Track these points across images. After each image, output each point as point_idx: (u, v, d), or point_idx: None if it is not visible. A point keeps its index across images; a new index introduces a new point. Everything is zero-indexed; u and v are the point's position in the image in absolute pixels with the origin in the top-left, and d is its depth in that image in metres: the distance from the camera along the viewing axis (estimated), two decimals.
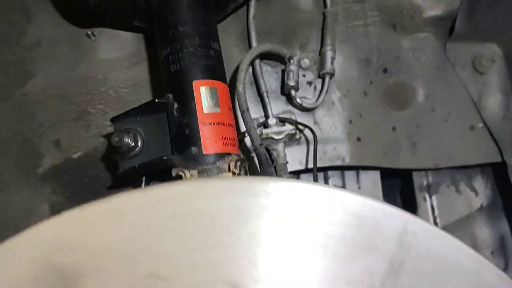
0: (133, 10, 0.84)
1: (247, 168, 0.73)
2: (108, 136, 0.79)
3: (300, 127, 0.92)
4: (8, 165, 0.92)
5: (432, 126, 1.03)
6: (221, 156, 0.69)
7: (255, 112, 0.95)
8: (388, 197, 1.13)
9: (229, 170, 0.68)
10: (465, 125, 1.03)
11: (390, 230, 0.34)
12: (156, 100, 0.72)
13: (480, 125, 1.02)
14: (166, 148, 0.72)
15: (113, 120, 0.76)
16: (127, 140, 0.73)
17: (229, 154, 0.70)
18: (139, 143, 0.74)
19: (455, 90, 1.03)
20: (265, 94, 0.93)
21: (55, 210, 0.90)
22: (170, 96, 0.73)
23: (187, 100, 0.71)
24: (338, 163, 0.96)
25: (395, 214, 0.35)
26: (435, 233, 0.36)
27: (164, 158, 0.70)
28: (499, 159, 1.00)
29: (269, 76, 0.98)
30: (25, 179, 0.91)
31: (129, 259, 0.31)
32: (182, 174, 0.66)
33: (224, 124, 0.71)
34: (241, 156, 0.72)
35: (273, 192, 0.34)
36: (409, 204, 1.10)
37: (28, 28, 0.98)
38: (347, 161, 0.96)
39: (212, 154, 0.69)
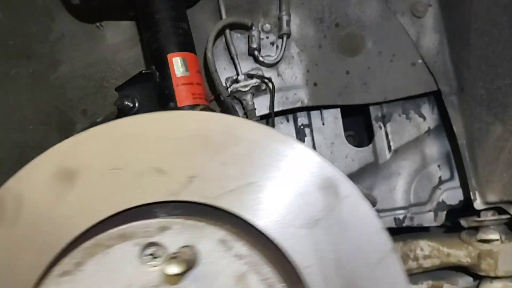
0: (127, 3, 1.11)
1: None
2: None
3: (264, 80, 1.17)
4: (51, 132, 1.24)
5: (380, 67, 1.25)
6: (192, 107, 0.96)
7: (230, 72, 1.20)
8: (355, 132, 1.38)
9: None
10: (407, 63, 1.24)
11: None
12: (143, 71, 1.00)
13: (420, 61, 1.23)
14: (155, 106, 1.00)
15: (116, 89, 1.05)
16: (126, 103, 1.01)
17: (198, 105, 0.97)
18: (136, 104, 1.03)
19: (397, 34, 1.24)
20: (235, 57, 1.18)
21: None
22: (153, 67, 1.00)
23: (164, 69, 0.98)
24: (299, 105, 1.21)
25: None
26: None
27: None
28: (435, 88, 1.20)
29: (239, 42, 1.23)
30: None
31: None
32: None
33: (193, 83, 0.98)
34: (207, 105, 0.99)
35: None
36: (369, 134, 1.33)
37: (53, 26, 1.28)
38: (306, 103, 1.21)
39: (185, 106, 0.96)
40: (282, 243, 0.58)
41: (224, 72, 1.21)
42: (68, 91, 1.26)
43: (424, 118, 1.30)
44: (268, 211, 0.58)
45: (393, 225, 1.27)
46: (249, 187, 0.59)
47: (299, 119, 1.30)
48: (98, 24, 1.25)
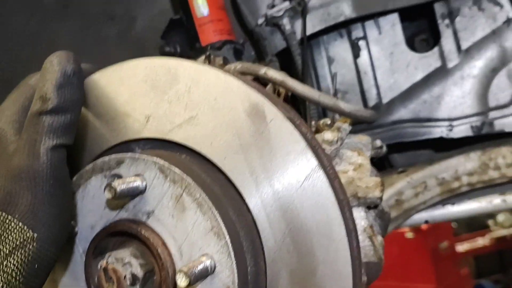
0: None
1: (238, 47, 1.05)
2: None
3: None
4: None
5: None
6: (215, 44, 1.04)
7: None
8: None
9: (220, 49, 1.02)
10: None
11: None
12: (172, 18, 1.09)
13: None
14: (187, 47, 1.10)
15: (161, 37, 1.17)
16: (168, 49, 1.14)
17: (220, 41, 1.04)
18: (178, 48, 1.14)
19: None
20: None
21: None
22: (181, 12, 1.09)
23: (187, 12, 1.07)
24: (341, 19, 1.15)
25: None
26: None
27: (184, 55, 1.09)
28: None
29: None
30: None
31: None
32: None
33: (213, 21, 1.05)
34: (229, 39, 1.04)
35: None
36: (435, 37, 1.19)
37: None
38: (348, 15, 1.14)
39: (207, 44, 1.04)
40: (223, 167, 0.64)
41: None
42: (146, 44, 1.44)
43: (501, 6, 1.10)
44: (208, 140, 0.65)
45: (469, 133, 1.15)
46: (191, 121, 0.66)
47: (353, 32, 1.24)
48: None
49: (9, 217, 0.50)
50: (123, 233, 0.64)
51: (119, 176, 0.66)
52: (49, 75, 0.57)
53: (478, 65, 1.13)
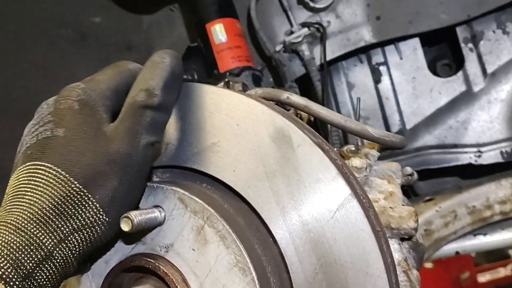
0: None
1: (257, 73, 1.02)
2: None
3: (314, 26, 1.12)
4: None
5: None
6: (233, 70, 1.01)
7: (286, 25, 1.18)
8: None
9: (238, 75, 1.00)
10: None
11: None
12: (189, 45, 1.08)
13: None
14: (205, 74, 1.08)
15: None
16: (185, 76, 1.11)
17: (238, 67, 1.01)
18: (196, 76, 1.12)
19: None
20: (287, 8, 1.16)
21: None
22: (199, 39, 1.07)
23: (205, 39, 1.05)
24: (361, 44, 1.12)
25: None
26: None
27: (202, 82, 1.06)
28: None
29: None
30: None
31: None
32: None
33: (231, 48, 1.03)
34: (248, 65, 1.02)
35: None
36: (458, 61, 1.16)
37: (143, 17, 1.45)
38: (368, 40, 1.12)
39: (226, 71, 1.02)
40: (246, 196, 0.60)
41: (282, 26, 1.19)
42: None
43: None
44: (231, 167, 0.61)
45: (499, 159, 1.10)
46: (212, 147, 0.62)
47: (373, 57, 1.21)
48: (171, 7, 1.37)
49: (89, 196, 0.51)
50: (140, 269, 0.60)
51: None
52: (159, 71, 0.56)
53: (505, 88, 1.09)
